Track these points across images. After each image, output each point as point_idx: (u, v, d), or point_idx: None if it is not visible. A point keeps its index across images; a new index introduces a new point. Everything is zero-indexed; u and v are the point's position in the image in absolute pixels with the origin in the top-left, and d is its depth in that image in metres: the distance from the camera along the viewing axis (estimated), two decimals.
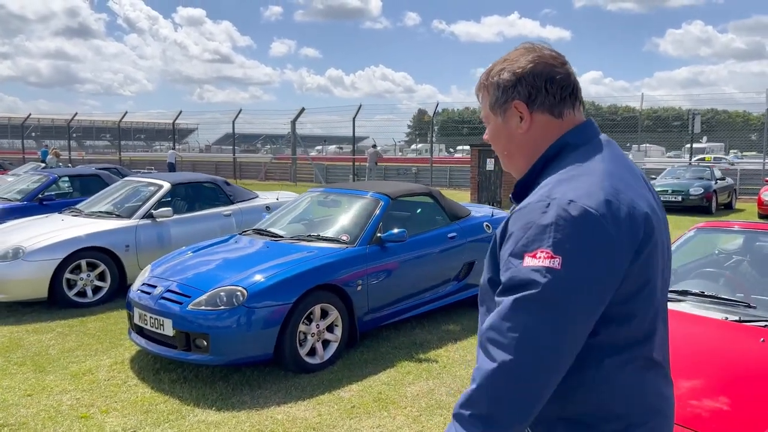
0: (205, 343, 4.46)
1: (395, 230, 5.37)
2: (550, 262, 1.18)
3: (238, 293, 4.52)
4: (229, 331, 4.45)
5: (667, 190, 16.02)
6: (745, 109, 64.46)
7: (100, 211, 7.41)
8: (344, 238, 5.36)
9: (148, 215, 7.20)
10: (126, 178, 8.44)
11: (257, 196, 8.51)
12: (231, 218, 7.90)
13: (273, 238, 5.62)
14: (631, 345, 1.30)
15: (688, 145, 52.53)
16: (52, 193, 9.42)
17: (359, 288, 5.11)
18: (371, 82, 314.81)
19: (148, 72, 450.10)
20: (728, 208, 17.27)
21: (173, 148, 30.79)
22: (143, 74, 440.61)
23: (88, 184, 10.04)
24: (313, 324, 4.80)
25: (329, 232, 5.52)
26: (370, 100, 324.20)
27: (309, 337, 4.78)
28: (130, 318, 5.03)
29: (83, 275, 6.63)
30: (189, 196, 7.91)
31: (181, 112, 33.43)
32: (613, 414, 1.29)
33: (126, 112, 34.96)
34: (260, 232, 5.86)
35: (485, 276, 1.41)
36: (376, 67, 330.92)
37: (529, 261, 1.20)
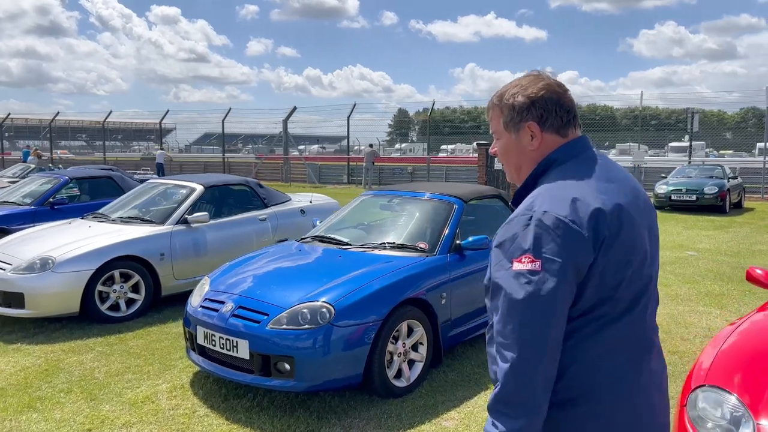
0: (289, 367, 3.96)
1: (473, 237, 4.92)
2: (532, 265, 1.44)
3: (324, 310, 4.02)
4: (315, 353, 3.95)
5: (680, 189, 15.77)
6: (720, 109, 65.62)
7: (129, 217, 6.83)
8: (422, 246, 4.88)
9: (182, 220, 6.64)
10: (150, 180, 7.85)
11: (290, 199, 7.98)
12: (266, 223, 7.38)
13: (339, 246, 5.12)
14: (606, 326, 1.52)
15: (672, 144, 52.96)
16: (64, 196, 8.78)
17: (443, 301, 4.65)
18: (349, 82, 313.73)
19: (123, 71, 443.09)
20: (738, 207, 17.09)
21: (161, 149, 29.97)
22: (117, 73, 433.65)
23: (99, 187, 9.42)
24: (399, 342, 4.33)
25: (403, 240, 5.04)
26: (349, 99, 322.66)
27: (395, 357, 4.31)
28: (191, 337, 4.50)
29: (116, 287, 6.07)
30: (221, 200, 7.36)
31: (168, 111, 32.61)
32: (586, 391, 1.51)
33: (111, 112, 34.10)
34: (322, 239, 5.36)
35: (484, 276, 1.62)
36: (354, 67, 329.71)
37: (516, 265, 1.46)
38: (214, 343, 4.25)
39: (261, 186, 7.76)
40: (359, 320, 4.05)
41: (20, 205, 8.59)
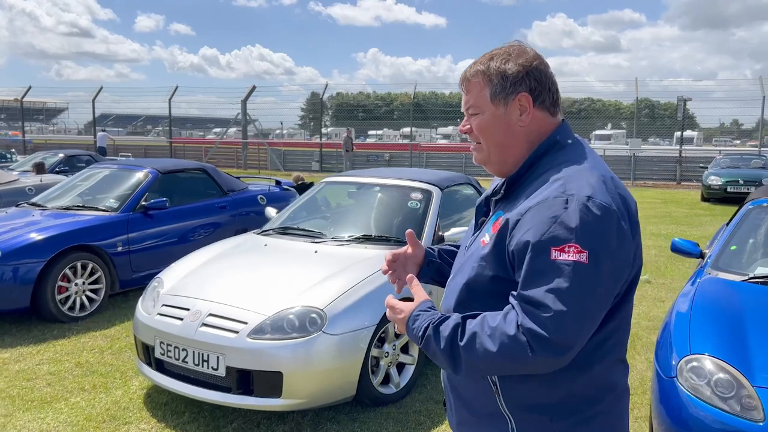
0: None
1: None
2: (578, 256, 1.25)
3: None
4: None
5: (737, 181, 14.95)
6: (617, 99, 69.20)
7: (365, 236, 4.55)
8: None
9: (438, 239, 4.53)
10: (330, 179, 5.53)
11: None
12: None
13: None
14: (620, 337, 1.43)
15: (596, 132, 54.20)
16: (163, 198, 6.20)
17: None
18: (249, 63, 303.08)
19: None
20: None
21: (104, 131, 26.20)
22: None
23: (191, 184, 6.90)
24: None
25: None
26: (249, 81, 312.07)
27: None
28: None
29: (387, 348, 3.91)
30: (450, 207, 5.25)
31: (101, 88, 28.59)
32: (591, 398, 1.40)
33: (30, 87, 29.45)
34: None
35: (485, 273, 1.40)
36: (254, 47, 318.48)
37: (557, 255, 1.26)
38: None
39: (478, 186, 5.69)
40: None
41: (104, 211, 5.97)
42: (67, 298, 5.42)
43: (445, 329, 1.37)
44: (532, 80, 1.45)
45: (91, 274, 5.60)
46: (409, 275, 1.58)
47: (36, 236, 5.28)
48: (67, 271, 5.38)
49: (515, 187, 1.47)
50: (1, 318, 5.34)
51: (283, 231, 4.80)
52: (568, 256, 1.25)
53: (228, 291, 3.83)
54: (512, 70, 1.45)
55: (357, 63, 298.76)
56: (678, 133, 51.36)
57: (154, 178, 6.38)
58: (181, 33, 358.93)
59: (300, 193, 8.22)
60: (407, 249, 1.74)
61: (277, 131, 52.62)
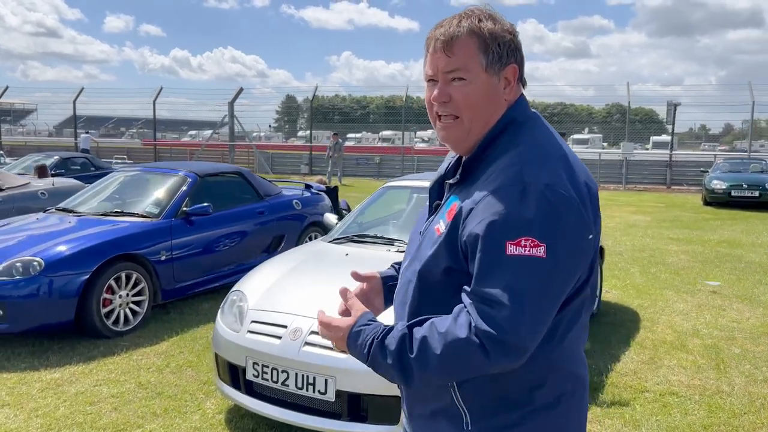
0: None
1: None
2: (536, 250, 1.18)
3: None
4: None
5: (741, 185, 14.99)
6: (588, 103, 70.33)
7: None
8: None
9: None
10: (391, 184, 5.22)
11: None
12: None
13: None
14: (581, 315, 1.35)
15: (574, 137, 54.69)
16: (206, 204, 5.79)
17: None
18: (220, 65, 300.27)
19: None
20: None
21: (87, 132, 25.39)
22: None
23: (228, 189, 6.52)
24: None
25: None
26: (221, 83, 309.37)
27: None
28: None
29: None
30: None
31: (83, 89, 27.79)
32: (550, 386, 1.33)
33: (7, 87, 28.46)
34: None
35: (439, 264, 1.30)
36: (225, 49, 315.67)
37: (512, 249, 1.18)
38: None
39: None
40: None
41: (145, 217, 5.56)
42: (111, 311, 5.02)
43: (392, 342, 1.27)
44: (519, 49, 1.35)
45: (134, 285, 5.21)
46: (342, 287, 1.47)
47: (79, 245, 4.87)
48: (112, 282, 4.98)
49: (471, 169, 1.35)
50: (37, 334, 4.92)
51: (358, 239, 4.49)
52: (525, 250, 1.18)
53: (326, 306, 3.50)
54: (506, 38, 1.32)
55: (330, 66, 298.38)
56: (655, 137, 51.94)
57: (194, 182, 5.99)
58: (152, 34, 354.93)
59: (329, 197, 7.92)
60: (362, 286, 1.62)
61: (255, 133, 51.87)
